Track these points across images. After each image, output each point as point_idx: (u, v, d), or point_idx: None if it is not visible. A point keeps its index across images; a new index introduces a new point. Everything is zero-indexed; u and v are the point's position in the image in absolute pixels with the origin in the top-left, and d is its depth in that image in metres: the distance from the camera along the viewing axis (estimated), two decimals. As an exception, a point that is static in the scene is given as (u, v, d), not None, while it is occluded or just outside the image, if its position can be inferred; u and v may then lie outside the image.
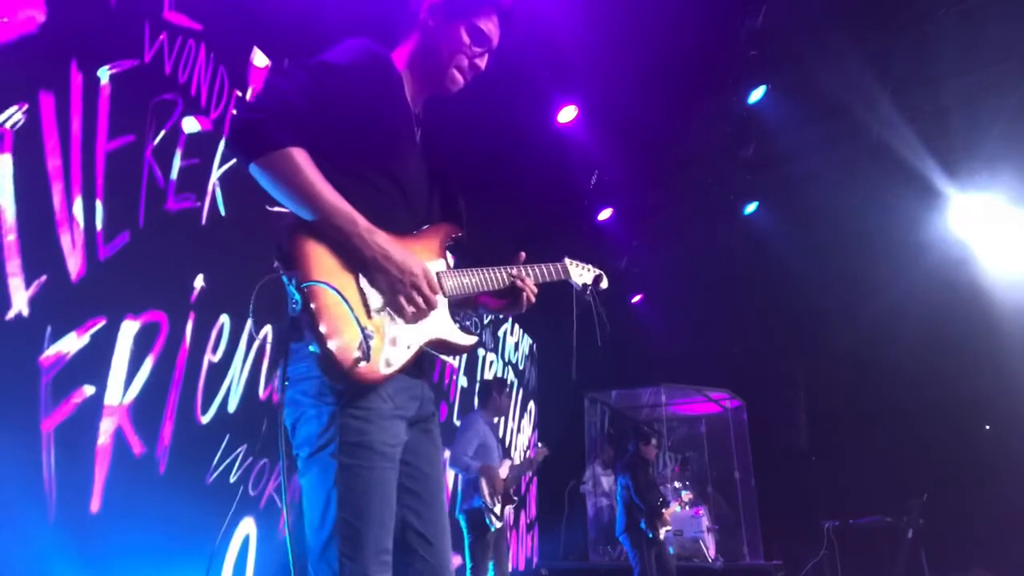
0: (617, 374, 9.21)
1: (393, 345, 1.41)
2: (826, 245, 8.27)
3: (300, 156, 1.36)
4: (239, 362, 3.81)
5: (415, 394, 1.52)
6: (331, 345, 1.29)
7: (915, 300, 8.06)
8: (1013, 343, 7.87)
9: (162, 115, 3.38)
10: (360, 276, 1.40)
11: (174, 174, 3.41)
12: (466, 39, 1.63)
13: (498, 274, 1.68)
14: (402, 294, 1.41)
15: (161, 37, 3.38)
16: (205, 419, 3.54)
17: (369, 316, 1.39)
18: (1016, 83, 6.21)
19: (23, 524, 2.52)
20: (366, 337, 1.32)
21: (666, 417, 9.33)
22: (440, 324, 1.53)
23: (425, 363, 1.55)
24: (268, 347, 3.94)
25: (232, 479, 3.65)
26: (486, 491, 4.56)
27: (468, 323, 1.71)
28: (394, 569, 1.41)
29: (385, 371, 1.38)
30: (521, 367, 8.52)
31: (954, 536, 7.30)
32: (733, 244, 8.57)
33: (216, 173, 3.75)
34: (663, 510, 5.66)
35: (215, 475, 3.53)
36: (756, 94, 6.37)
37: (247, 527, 3.76)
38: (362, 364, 1.31)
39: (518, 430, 8.13)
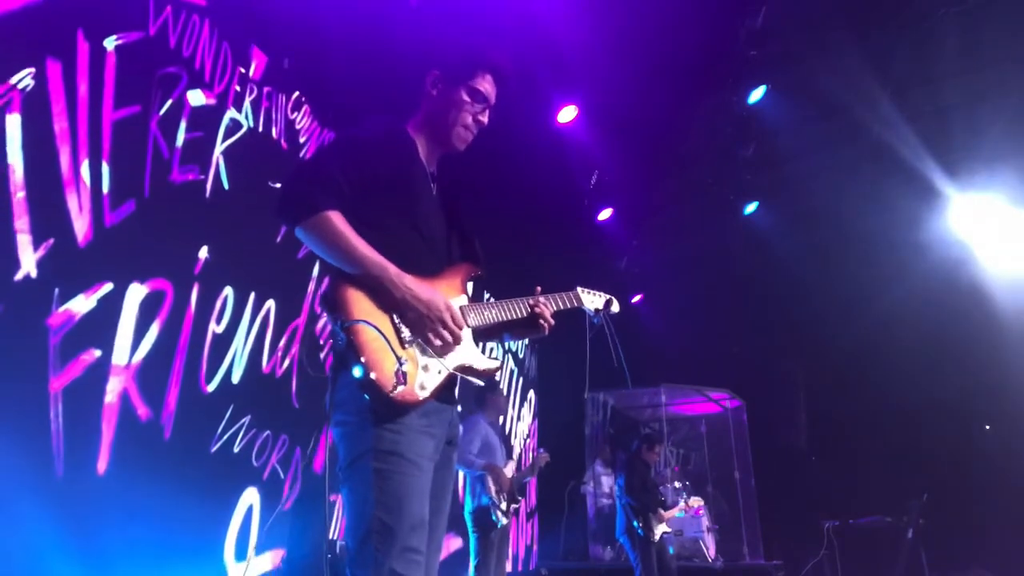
0: (617, 374, 9.21)
1: (426, 371, 1.63)
2: (826, 245, 8.27)
3: (337, 219, 1.62)
4: (243, 334, 3.88)
5: (445, 418, 1.72)
6: (372, 374, 1.51)
7: (915, 300, 8.06)
8: (1013, 343, 7.87)
9: (167, 88, 3.44)
10: (394, 315, 1.63)
11: (179, 145, 3.48)
12: (466, 99, 1.86)
13: (517, 305, 1.90)
14: (429, 328, 1.63)
15: (166, 11, 3.44)
16: (210, 388, 3.60)
17: (403, 347, 1.61)
18: (1016, 83, 6.21)
19: (31, 480, 2.59)
20: (401, 364, 1.54)
21: (666, 417, 9.33)
22: (466, 352, 1.74)
23: (455, 389, 1.77)
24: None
25: (236, 449, 3.71)
26: (492, 488, 4.61)
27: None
28: None
29: (421, 394, 1.60)
30: (521, 356, 8.55)
31: (954, 536, 7.30)
32: (733, 244, 8.57)
33: (220, 147, 3.81)
34: (660, 511, 5.65)
35: (219, 444, 3.59)
36: (756, 94, 6.37)
37: (251, 497, 3.82)
38: (400, 388, 1.53)
39: (518, 418, 8.19)
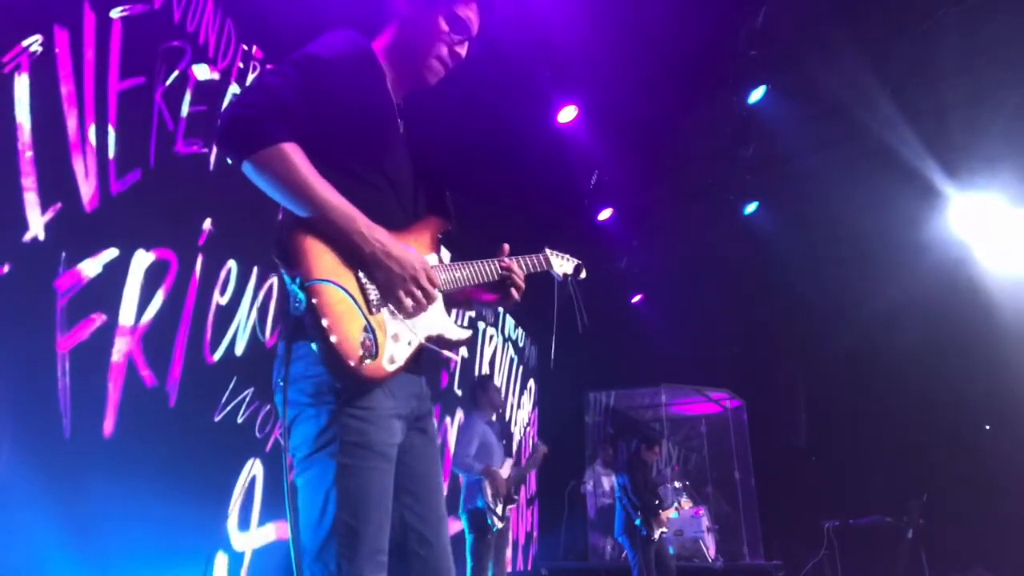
0: (617, 374, 9.22)
1: (395, 341, 1.40)
2: (826, 245, 8.27)
3: (294, 151, 1.34)
4: (246, 307, 3.93)
5: (414, 391, 1.52)
6: (336, 343, 1.27)
7: (915, 300, 8.06)
8: (1013, 343, 7.86)
9: (171, 61, 3.49)
10: (359, 273, 1.38)
11: (183, 117, 3.54)
12: (444, 27, 1.59)
13: (488, 266, 1.67)
14: (402, 289, 1.40)
15: (170, -15, 3.49)
16: (214, 358, 3.65)
17: (371, 312, 1.37)
18: (1016, 83, 6.20)
19: (39, 441, 2.63)
20: (370, 333, 1.32)
21: (666, 417, 9.33)
22: (437, 319, 1.52)
23: (423, 359, 1.53)
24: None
25: (240, 420, 3.75)
26: (488, 492, 4.60)
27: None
28: (394, 570, 1.40)
29: (389, 368, 1.37)
30: (521, 344, 8.55)
31: (954, 536, 7.30)
32: (733, 244, 8.57)
33: None
34: (660, 511, 5.66)
35: (223, 414, 3.63)
36: (756, 94, 6.36)
37: (254, 468, 3.86)
38: (367, 361, 1.31)
39: (518, 406, 8.22)
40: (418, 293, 1.42)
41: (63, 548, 2.65)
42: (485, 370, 7.30)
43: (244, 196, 3.94)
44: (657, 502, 5.80)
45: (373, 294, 1.39)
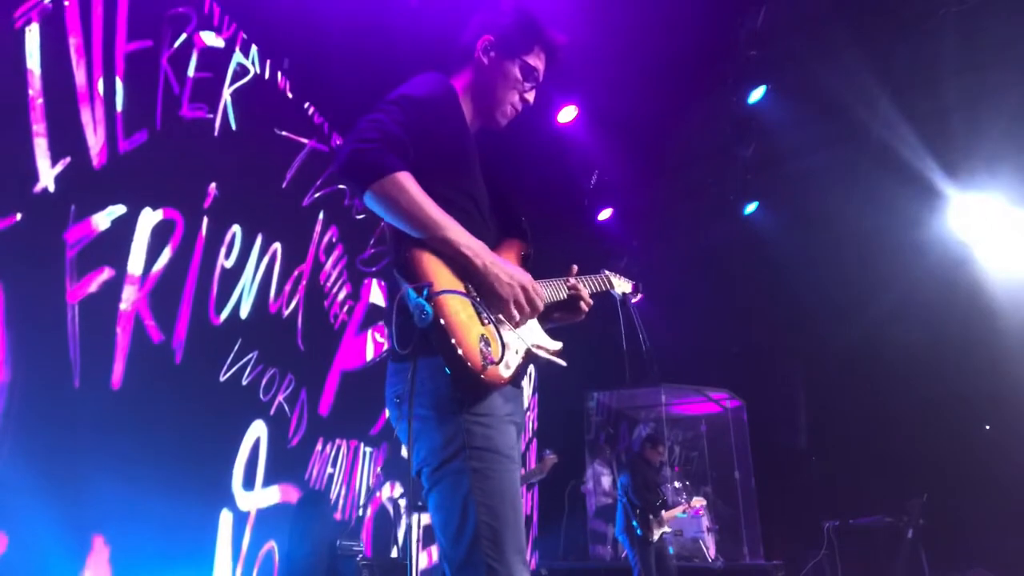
0: (617, 374, 9.21)
1: (507, 350, 1.49)
2: (826, 245, 8.26)
3: (409, 181, 1.45)
4: (250, 272, 4.00)
5: (519, 402, 1.60)
6: (462, 350, 1.35)
7: (915, 300, 8.05)
8: (1013, 343, 7.86)
9: (177, 26, 3.55)
10: (469, 286, 1.48)
11: (188, 83, 3.60)
12: (518, 76, 1.73)
13: (559, 285, 1.80)
14: (513, 299, 1.49)
15: (176, -49, 3.57)
16: (219, 319, 3.72)
17: (483, 323, 1.46)
18: (1016, 83, 6.20)
19: (50, 388, 2.70)
20: (486, 341, 1.41)
21: (666, 417, 9.32)
22: (534, 331, 1.65)
23: (523, 373, 1.63)
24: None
25: (244, 382, 3.82)
26: None
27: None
28: None
29: (506, 374, 1.46)
30: None
31: (954, 536, 7.30)
32: (733, 244, 8.57)
33: (228, 89, 3.94)
34: (662, 512, 5.64)
35: (228, 375, 3.70)
36: (756, 94, 6.36)
37: (258, 429, 3.92)
38: (489, 367, 1.39)
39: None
40: (526, 305, 1.51)
41: (71, 497, 2.70)
42: None
43: (247, 163, 4.05)
44: (660, 502, 5.80)
45: (483, 305, 1.47)
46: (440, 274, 1.43)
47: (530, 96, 1.77)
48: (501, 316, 1.51)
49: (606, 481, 8.43)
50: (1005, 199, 7.68)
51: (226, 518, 3.58)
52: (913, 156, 6.88)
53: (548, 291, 1.73)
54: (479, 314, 1.45)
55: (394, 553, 4.84)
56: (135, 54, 3.23)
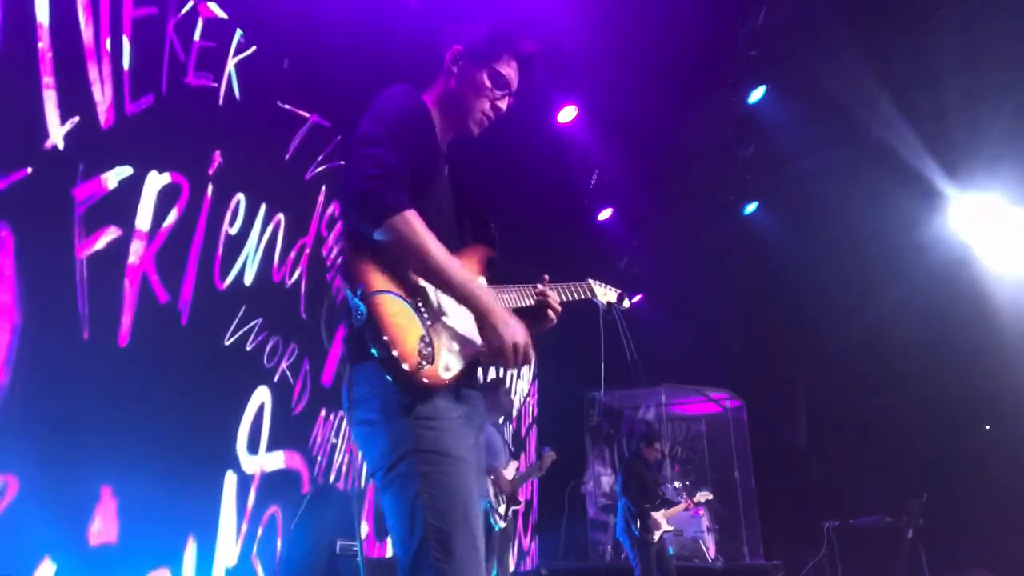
0: (617, 374, 9.19)
1: (450, 352, 1.50)
2: (826, 245, 8.27)
3: (416, 220, 1.47)
4: (254, 240, 4.06)
5: (473, 403, 1.61)
6: (395, 350, 1.38)
7: (915, 300, 8.05)
8: (1013, 343, 7.86)
9: None
10: (416, 287, 1.51)
11: (193, 52, 3.66)
12: (488, 83, 1.74)
13: (526, 291, 1.79)
14: (510, 348, 1.49)
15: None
16: (224, 284, 3.76)
17: (427, 323, 1.48)
18: (1016, 83, 6.20)
19: (59, 337, 2.74)
20: (427, 340, 1.42)
21: (666, 417, 9.33)
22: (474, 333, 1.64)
23: (477, 375, 1.64)
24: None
25: (248, 348, 3.87)
26: (491, 492, 4.61)
27: None
28: None
29: (445, 375, 1.47)
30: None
31: (954, 536, 7.30)
32: (733, 244, 8.57)
33: (232, 60, 4.00)
34: (652, 514, 5.61)
35: (232, 340, 3.75)
36: (756, 94, 6.36)
37: (262, 395, 3.98)
38: (427, 367, 1.40)
39: (518, 376, 8.33)
40: (522, 354, 1.51)
41: (80, 447, 2.74)
42: None
43: (251, 134, 4.09)
44: (658, 502, 5.79)
45: (426, 306, 1.51)
46: (381, 275, 1.47)
47: (502, 104, 1.78)
48: (447, 316, 1.53)
49: (606, 481, 8.44)
50: (1005, 199, 7.68)
51: (231, 479, 3.63)
52: (913, 156, 6.88)
53: (512, 295, 1.75)
54: (420, 315, 1.47)
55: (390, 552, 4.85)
56: (141, 20, 3.29)
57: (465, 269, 1.54)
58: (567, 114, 5.95)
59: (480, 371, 1.66)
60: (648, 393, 9.46)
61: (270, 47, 4.33)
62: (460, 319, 1.56)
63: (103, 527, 2.83)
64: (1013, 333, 7.87)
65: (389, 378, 1.40)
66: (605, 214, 7.67)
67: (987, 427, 8.56)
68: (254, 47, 4.21)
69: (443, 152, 1.77)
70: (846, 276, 8.37)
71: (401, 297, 1.45)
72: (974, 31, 5.62)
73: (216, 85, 3.83)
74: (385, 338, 1.38)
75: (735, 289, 9.10)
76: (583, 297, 1.95)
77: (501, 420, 5.18)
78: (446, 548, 1.35)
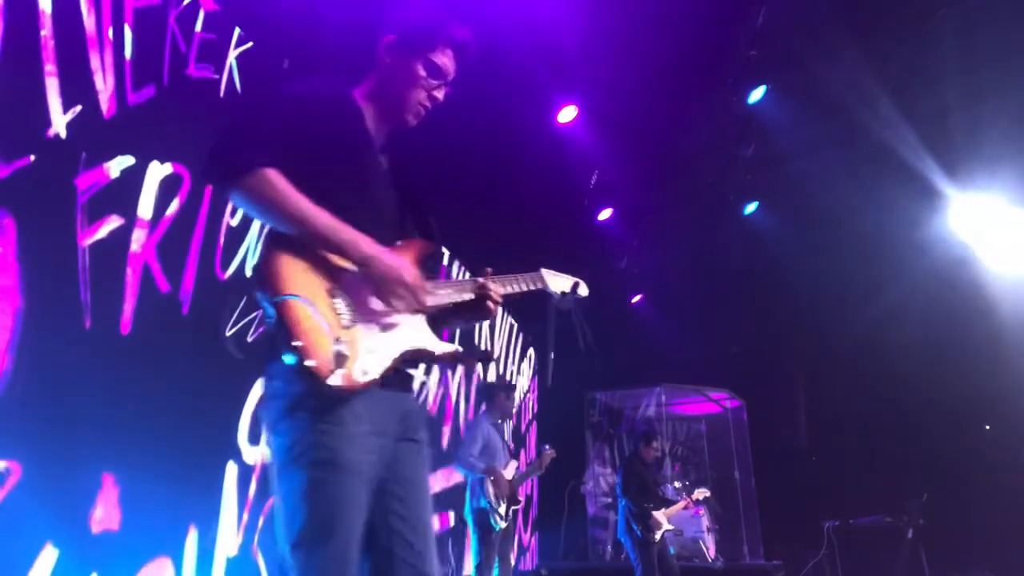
0: (617, 374, 9.22)
1: (371, 354, 1.45)
2: (826, 245, 8.27)
3: (275, 176, 1.43)
4: (255, 233, 4.03)
5: (396, 408, 1.55)
6: (306, 355, 1.34)
7: (915, 300, 8.06)
8: (1013, 343, 7.86)
9: None
10: (334, 288, 1.46)
11: (195, 44, 3.67)
12: (422, 73, 1.69)
13: (465, 285, 1.73)
14: (393, 287, 1.48)
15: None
16: (226, 275, 3.76)
17: (343, 327, 1.43)
18: (1016, 83, 6.21)
19: (61, 324, 2.74)
20: (340, 345, 1.37)
21: (666, 417, 9.33)
22: (418, 333, 1.58)
23: (412, 377, 1.60)
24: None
25: (250, 339, 3.84)
26: (491, 492, 4.63)
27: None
28: (380, 572, 1.47)
29: (362, 379, 1.41)
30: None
31: (954, 536, 7.30)
32: (733, 244, 8.57)
33: (232, 53, 4.02)
34: (656, 515, 5.61)
35: (234, 330, 3.73)
36: (756, 94, 6.37)
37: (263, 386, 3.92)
38: (338, 372, 1.36)
39: (518, 372, 8.29)
40: (406, 295, 1.49)
41: (82, 434, 2.74)
42: (486, 336, 7.33)
43: None
44: (662, 498, 5.78)
45: (345, 311, 1.45)
46: (295, 277, 1.41)
47: (439, 94, 1.73)
48: (370, 317, 1.48)
49: (605, 481, 8.44)
50: (1005, 199, 7.68)
51: (232, 470, 3.62)
52: (913, 156, 6.88)
53: (449, 290, 1.69)
54: (340, 316, 1.43)
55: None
56: (143, 10, 3.31)
57: (346, 225, 1.47)
58: (567, 114, 5.95)
59: (422, 368, 1.61)
60: (648, 393, 9.47)
61: (271, 47, 4.33)
62: (385, 320, 1.51)
63: (105, 514, 2.83)
64: (1013, 333, 7.87)
65: (300, 383, 1.38)
66: (605, 214, 7.68)
67: (987, 427, 8.56)
68: (252, 44, 4.23)
69: (374, 142, 1.72)
70: (846, 276, 8.37)
71: (310, 302, 1.39)
72: (974, 31, 5.63)
73: (217, 77, 3.85)
74: (296, 343, 1.34)
75: (735, 289, 9.10)
76: (532, 288, 1.89)
77: (500, 421, 5.18)
78: (311, 555, 1.36)
